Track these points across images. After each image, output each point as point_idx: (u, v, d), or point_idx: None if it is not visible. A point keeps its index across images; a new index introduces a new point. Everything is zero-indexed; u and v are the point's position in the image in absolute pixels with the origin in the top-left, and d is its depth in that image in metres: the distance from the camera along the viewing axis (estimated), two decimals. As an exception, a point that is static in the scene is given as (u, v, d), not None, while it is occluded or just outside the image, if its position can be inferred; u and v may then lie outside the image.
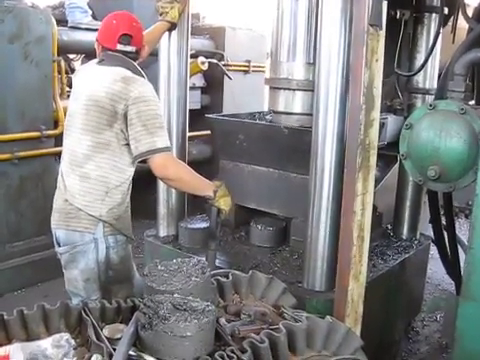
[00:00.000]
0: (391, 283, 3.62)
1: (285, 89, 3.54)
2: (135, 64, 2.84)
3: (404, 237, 4.07)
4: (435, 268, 5.17)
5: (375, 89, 2.34)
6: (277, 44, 3.56)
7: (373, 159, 2.43)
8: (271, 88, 3.69)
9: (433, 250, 4.58)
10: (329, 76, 2.75)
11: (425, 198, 4.20)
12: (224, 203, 2.88)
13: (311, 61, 3.35)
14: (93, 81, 2.76)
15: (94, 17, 5.97)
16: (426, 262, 4.29)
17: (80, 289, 2.83)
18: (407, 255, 3.80)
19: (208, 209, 3.04)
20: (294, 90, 3.50)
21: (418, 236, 4.12)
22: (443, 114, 2.62)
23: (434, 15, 3.73)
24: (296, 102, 3.53)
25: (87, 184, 2.74)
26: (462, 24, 3.56)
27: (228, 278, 2.38)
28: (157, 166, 2.70)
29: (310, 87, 3.25)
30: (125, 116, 2.66)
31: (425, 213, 4.14)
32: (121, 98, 2.64)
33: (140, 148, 2.66)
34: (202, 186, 2.86)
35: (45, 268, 4.85)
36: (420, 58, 3.78)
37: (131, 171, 2.83)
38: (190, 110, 3.90)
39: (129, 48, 2.82)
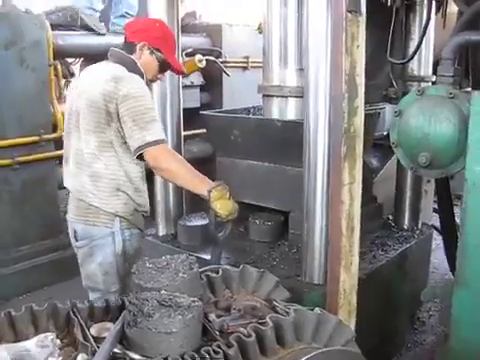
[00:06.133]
0: (393, 274, 3.60)
1: (278, 96, 3.57)
2: (135, 60, 2.89)
3: (405, 227, 4.05)
4: (442, 257, 5.13)
5: (358, 77, 2.31)
6: (268, 51, 3.58)
7: (359, 148, 2.40)
8: (264, 96, 3.71)
9: (439, 240, 4.55)
10: (318, 66, 2.72)
11: (425, 186, 4.18)
12: (221, 206, 2.76)
13: (303, 67, 3.33)
14: (92, 80, 2.83)
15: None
16: (429, 251, 4.26)
17: (99, 283, 2.91)
18: (408, 245, 3.79)
19: (207, 211, 2.98)
20: (287, 97, 3.53)
21: (420, 225, 4.08)
22: (432, 99, 2.57)
23: (426, 1, 3.69)
24: (289, 109, 3.57)
25: (98, 183, 2.81)
26: (453, 9, 3.53)
27: (218, 273, 2.37)
28: (149, 158, 2.72)
29: (302, 94, 3.23)
30: (118, 115, 2.71)
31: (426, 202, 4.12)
32: (112, 98, 2.69)
33: (133, 144, 2.71)
34: (197, 183, 2.80)
35: (50, 272, 4.91)
36: (414, 46, 3.74)
37: (138, 166, 2.87)
38: (190, 108, 3.91)
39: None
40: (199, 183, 2.80)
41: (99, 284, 2.92)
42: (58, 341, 1.86)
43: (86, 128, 2.78)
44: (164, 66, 3.00)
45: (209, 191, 2.75)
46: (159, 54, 2.94)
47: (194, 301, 1.92)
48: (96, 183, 2.81)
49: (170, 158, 2.78)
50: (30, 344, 1.80)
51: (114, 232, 2.85)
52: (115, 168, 2.81)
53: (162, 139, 2.74)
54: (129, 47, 2.93)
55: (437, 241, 4.71)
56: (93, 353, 1.76)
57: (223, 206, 2.77)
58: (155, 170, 2.83)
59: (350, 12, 2.20)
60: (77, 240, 2.93)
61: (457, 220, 3.57)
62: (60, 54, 5.11)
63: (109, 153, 2.78)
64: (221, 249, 3.01)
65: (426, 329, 4.23)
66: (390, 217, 4.18)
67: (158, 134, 2.72)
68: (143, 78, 2.88)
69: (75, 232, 2.94)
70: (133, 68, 2.85)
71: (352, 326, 2.57)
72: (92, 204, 2.83)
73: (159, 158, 2.73)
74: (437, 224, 4.03)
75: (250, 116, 3.96)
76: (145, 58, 2.92)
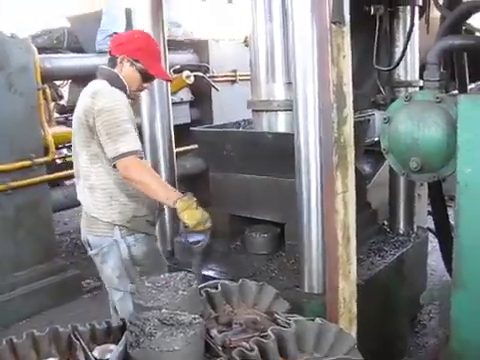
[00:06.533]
0: (391, 279, 3.61)
1: (267, 111, 3.62)
2: (117, 73, 2.99)
3: (401, 232, 4.07)
4: (439, 259, 5.14)
5: (345, 86, 2.33)
6: (255, 67, 3.63)
7: (351, 156, 2.42)
8: (253, 111, 3.75)
9: (435, 242, 4.57)
10: (306, 78, 2.74)
11: (419, 190, 4.20)
12: (188, 217, 2.78)
13: (290, 81, 3.36)
14: (79, 99, 2.97)
15: (78, 42, 6.04)
16: (426, 254, 4.28)
17: (117, 284, 3.08)
18: (405, 249, 3.80)
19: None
20: (276, 111, 3.58)
21: (415, 229, 4.10)
22: (419, 105, 2.60)
23: (409, 7, 3.73)
24: (279, 123, 3.62)
25: (95, 194, 2.97)
26: (436, 14, 3.57)
27: (218, 289, 2.37)
28: (120, 168, 2.80)
29: (291, 107, 3.26)
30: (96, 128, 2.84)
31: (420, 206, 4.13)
32: (90, 113, 2.83)
33: (108, 155, 2.81)
34: (165, 194, 2.84)
35: (49, 296, 4.89)
36: (399, 52, 3.77)
37: None
38: (180, 125, 3.92)
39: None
40: (167, 194, 2.83)
41: (118, 285, 3.08)
42: (61, 366, 1.85)
43: (79, 144, 2.95)
44: (147, 76, 3.05)
45: (174, 202, 2.77)
46: (139, 65, 2.99)
47: (195, 318, 1.92)
48: (93, 194, 2.98)
49: (140, 169, 2.83)
50: (33, 371, 1.79)
51: (117, 240, 2.98)
52: (105, 178, 2.94)
53: (135, 150, 2.80)
54: (112, 61, 3.04)
55: (433, 243, 4.71)
56: (97, 376, 1.76)
57: (190, 216, 2.78)
58: (126, 180, 2.87)
59: (334, 23, 2.23)
60: (91, 249, 3.08)
61: (451, 221, 3.60)
62: (48, 77, 5.13)
63: (97, 165, 2.92)
64: (199, 260, 3.00)
65: (427, 332, 4.24)
66: (385, 222, 4.19)
67: (131, 145, 2.79)
68: (126, 90, 2.99)
69: (88, 242, 3.09)
70: (115, 81, 2.96)
71: (353, 334, 2.57)
72: (92, 215, 3.00)
73: (130, 168, 2.79)
74: (432, 226, 4.05)
75: (241, 130, 3.98)
76: (126, 70, 3.00)
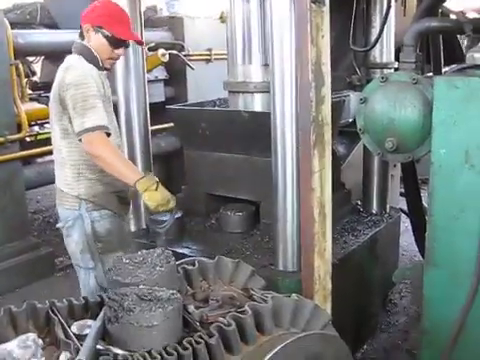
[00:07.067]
0: (364, 258, 3.66)
1: (244, 92, 3.62)
2: (86, 45, 2.97)
3: (374, 211, 4.12)
4: (410, 240, 5.23)
5: (324, 65, 2.35)
6: (232, 48, 3.62)
7: (328, 135, 2.44)
8: (230, 92, 3.75)
9: (407, 222, 4.65)
10: (283, 57, 2.74)
11: (392, 171, 4.26)
12: (149, 198, 2.77)
13: (268, 63, 3.36)
14: (57, 73, 2.96)
15: (51, 18, 5.94)
16: (398, 234, 4.34)
17: (79, 260, 3.10)
18: (378, 229, 3.86)
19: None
20: (252, 93, 3.59)
21: (388, 209, 4.16)
22: (396, 85, 2.63)
23: (386, -11, 3.75)
24: (255, 104, 3.62)
25: (64, 168, 3.00)
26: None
27: (194, 266, 2.39)
28: (84, 143, 2.79)
29: (268, 89, 3.24)
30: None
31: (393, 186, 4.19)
32: (62, 86, 2.83)
33: (75, 130, 2.80)
34: (127, 174, 2.82)
35: (21, 274, 4.86)
36: (375, 33, 3.79)
37: None
38: (155, 103, 3.89)
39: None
40: (129, 174, 2.83)
41: (79, 261, 3.09)
42: (40, 341, 1.85)
43: (52, 118, 2.98)
44: (115, 42, 2.98)
45: (134, 183, 2.77)
46: (104, 31, 2.94)
47: (173, 294, 1.94)
48: (63, 168, 3.00)
49: (103, 145, 2.80)
50: (12, 346, 1.78)
51: (82, 214, 2.99)
52: (75, 154, 2.94)
53: (100, 126, 2.78)
54: (81, 33, 3.02)
55: (406, 224, 4.80)
56: (76, 351, 1.77)
57: (150, 198, 2.77)
58: (89, 155, 2.86)
59: (314, 3, 2.24)
60: (60, 222, 3.11)
61: (424, 203, 3.67)
62: (21, 53, 5.05)
63: (68, 140, 2.93)
64: (163, 241, 2.99)
65: (398, 310, 4.32)
66: (359, 202, 4.24)
67: (97, 121, 2.77)
68: (97, 62, 2.97)
69: (58, 215, 3.14)
70: (87, 54, 2.96)
71: (328, 310, 2.62)
72: (61, 189, 3.03)
73: (93, 144, 2.77)
74: (404, 207, 4.12)
75: (216, 108, 3.97)
76: (93, 39, 2.97)
